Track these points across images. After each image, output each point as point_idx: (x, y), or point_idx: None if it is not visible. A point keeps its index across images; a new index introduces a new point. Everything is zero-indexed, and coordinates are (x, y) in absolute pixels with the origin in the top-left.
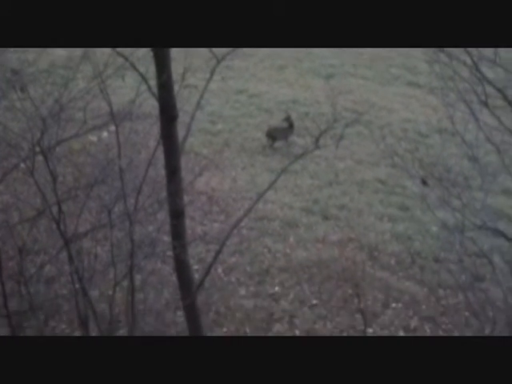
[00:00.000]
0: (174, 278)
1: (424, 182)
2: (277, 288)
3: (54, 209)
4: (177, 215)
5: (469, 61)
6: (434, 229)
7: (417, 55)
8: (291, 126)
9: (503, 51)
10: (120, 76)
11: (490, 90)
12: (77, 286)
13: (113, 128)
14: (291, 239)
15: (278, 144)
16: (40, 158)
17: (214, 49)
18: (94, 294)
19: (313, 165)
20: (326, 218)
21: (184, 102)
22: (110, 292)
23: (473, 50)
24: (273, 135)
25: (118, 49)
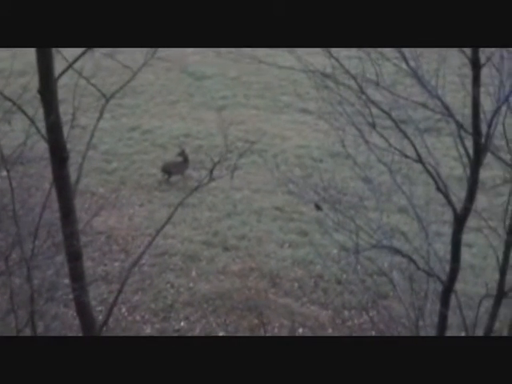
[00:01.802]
0: (77, 322)
1: (318, 207)
2: (182, 323)
3: None
4: (74, 257)
5: (354, 85)
6: (334, 251)
7: (306, 82)
8: (186, 160)
9: (386, 73)
10: (7, 121)
11: (379, 111)
12: None
13: (4, 173)
14: (193, 273)
15: (174, 179)
16: None
17: (102, 87)
18: None
19: (210, 197)
20: (226, 249)
21: (76, 142)
22: None
23: (357, 74)
24: (168, 170)
25: (5, 92)
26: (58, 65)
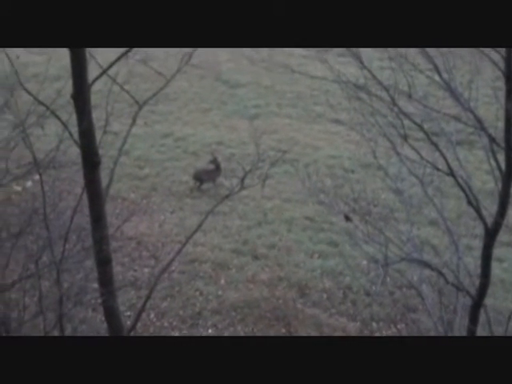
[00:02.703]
0: (105, 326)
1: (347, 218)
2: (210, 330)
3: None
4: (103, 262)
5: (386, 96)
6: (364, 263)
7: (339, 93)
8: (218, 167)
9: (418, 85)
10: (40, 125)
11: (411, 123)
12: None
13: (37, 177)
14: (222, 281)
15: (205, 186)
16: None
17: (136, 93)
18: None
19: (241, 205)
20: (256, 257)
21: (108, 147)
22: None
23: (390, 86)
24: (200, 178)
25: (40, 96)
26: (92, 70)
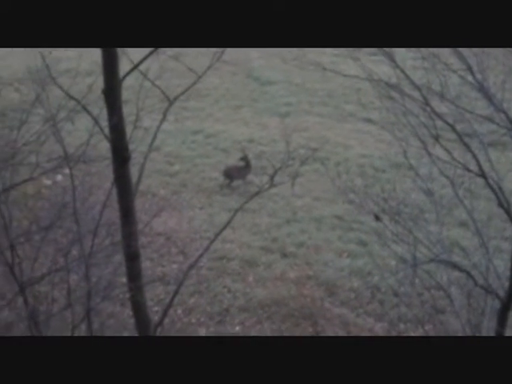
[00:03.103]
0: (133, 321)
1: (377, 218)
2: (237, 328)
3: (8, 253)
4: (132, 257)
5: (419, 96)
6: (393, 263)
7: (370, 92)
8: (248, 165)
9: (451, 85)
10: (70, 119)
11: (443, 123)
12: (34, 330)
13: (67, 171)
14: (250, 278)
15: (235, 183)
16: None
17: (167, 89)
18: None
19: (271, 203)
20: (284, 255)
21: (139, 143)
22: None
23: (422, 85)
24: (230, 175)
25: (72, 91)
26: (124, 66)
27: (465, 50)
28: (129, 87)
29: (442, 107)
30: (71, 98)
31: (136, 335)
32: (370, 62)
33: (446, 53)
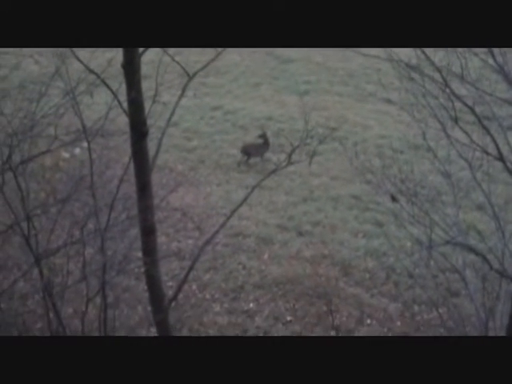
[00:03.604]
0: (147, 295)
1: (393, 199)
2: (251, 305)
3: (24, 225)
4: (147, 232)
5: (439, 77)
6: (408, 244)
7: (391, 72)
8: (266, 142)
9: (472, 68)
10: (89, 93)
11: (462, 106)
12: (48, 302)
13: (85, 144)
14: (266, 256)
15: (253, 160)
16: (10, 174)
17: (186, 65)
18: (67, 310)
19: (288, 181)
20: (300, 234)
21: (157, 118)
22: (83, 308)
23: (442, 67)
24: (248, 152)
25: (92, 65)
26: None
27: None
28: (148, 62)
29: (461, 89)
30: (91, 71)
31: (141, 335)
32: None
33: None
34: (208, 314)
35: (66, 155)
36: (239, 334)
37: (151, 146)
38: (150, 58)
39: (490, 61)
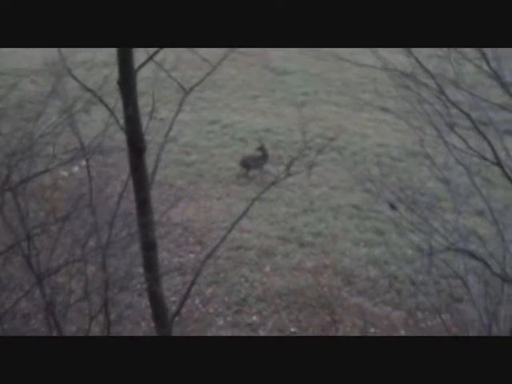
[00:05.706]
0: (150, 311)
1: (392, 207)
2: (255, 317)
3: (25, 245)
4: (148, 247)
5: (434, 84)
6: (410, 252)
7: (387, 81)
8: (265, 154)
9: (466, 74)
10: (86, 110)
11: (458, 112)
12: (51, 322)
13: (83, 162)
14: (268, 268)
15: (252, 173)
16: (9, 194)
17: (182, 80)
18: (70, 329)
19: (288, 193)
20: (301, 245)
21: (155, 133)
22: (86, 327)
23: (437, 74)
24: (247, 164)
25: (88, 82)
26: (139, 57)
27: None
28: (144, 79)
29: (457, 95)
30: (87, 89)
31: (144, 335)
32: (386, 51)
33: None
34: (211, 327)
35: (64, 174)
36: None
37: (150, 161)
38: (146, 74)
39: (485, 66)
